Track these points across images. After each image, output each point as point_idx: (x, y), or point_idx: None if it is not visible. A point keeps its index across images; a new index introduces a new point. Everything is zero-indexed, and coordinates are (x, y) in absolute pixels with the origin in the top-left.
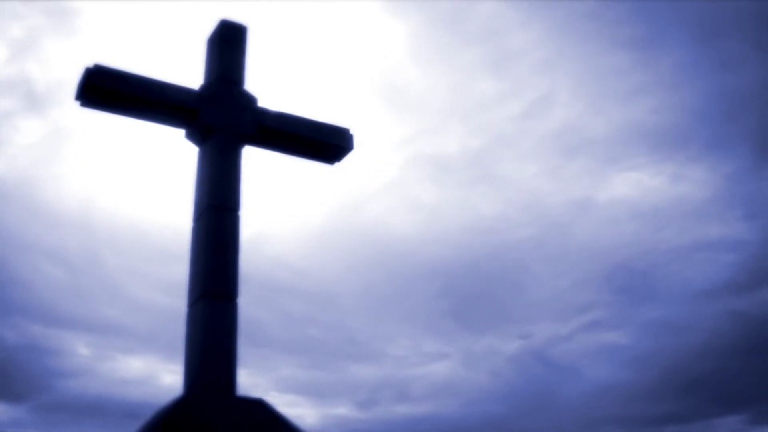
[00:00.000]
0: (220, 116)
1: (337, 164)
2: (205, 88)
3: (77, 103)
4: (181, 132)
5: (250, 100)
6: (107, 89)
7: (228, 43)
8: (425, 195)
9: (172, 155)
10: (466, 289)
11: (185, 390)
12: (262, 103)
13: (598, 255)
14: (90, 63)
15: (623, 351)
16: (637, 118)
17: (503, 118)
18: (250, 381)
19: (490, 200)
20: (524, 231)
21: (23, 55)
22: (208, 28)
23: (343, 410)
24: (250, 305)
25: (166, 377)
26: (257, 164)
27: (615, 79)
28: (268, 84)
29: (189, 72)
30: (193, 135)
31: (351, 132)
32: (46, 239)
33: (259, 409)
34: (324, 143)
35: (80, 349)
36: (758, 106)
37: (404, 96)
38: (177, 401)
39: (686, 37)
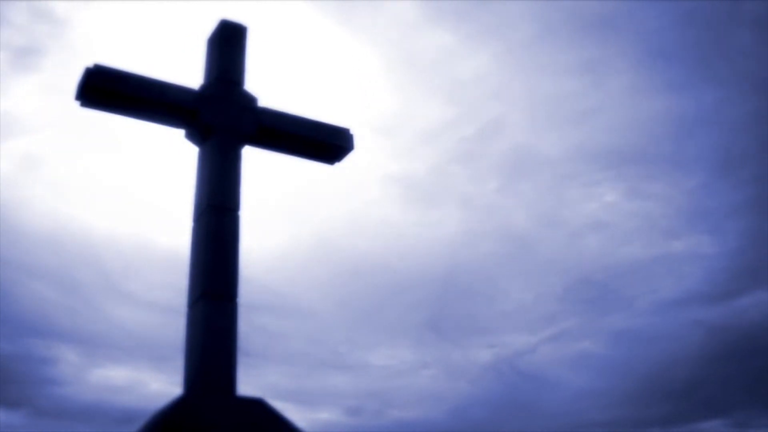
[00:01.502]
0: (220, 116)
1: (337, 164)
2: (205, 88)
3: (77, 103)
4: (181, 132)
5: (250, 100)
6: (107, 89)
7: (228, 43)
8: (396, 213)
9: (160, 160)
10: (438, 301)
11: (185, 390)
12: (262, 103)
13: (563, 269)
14: (90, 63)
15: (597, 359)
16: (590, 137)
17: (459, 140)
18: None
19: (457, 217)
20: (490, 246)
21: None
22: (208, 28)
23: (331, 416)
24: None
25: (153, 384)
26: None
27: (564, 103)
28: (268, 84)
29: (189, 72)
30: (193, 135)
31: (351, 132)
32: (29, 258)
33: (259, 409)
34: (324, 143)
35: (70, 358)
36: (709, 127)
37: (374, 117)
38: (177, 401)
39: (632, 62)
